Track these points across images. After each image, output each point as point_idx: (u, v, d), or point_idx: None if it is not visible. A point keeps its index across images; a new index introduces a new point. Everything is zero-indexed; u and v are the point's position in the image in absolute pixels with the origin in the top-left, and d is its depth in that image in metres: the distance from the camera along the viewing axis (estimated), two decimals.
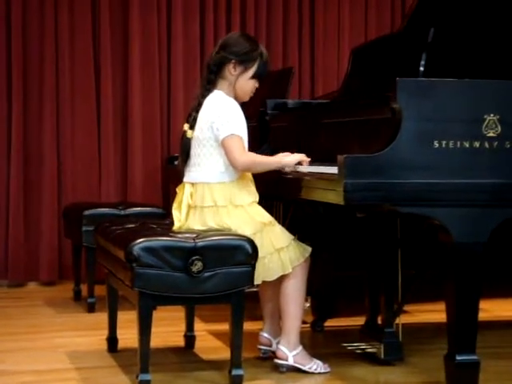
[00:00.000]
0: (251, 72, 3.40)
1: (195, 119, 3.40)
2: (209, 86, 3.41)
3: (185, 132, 3.44)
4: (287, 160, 3.37)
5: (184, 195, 3.40)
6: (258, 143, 4.10)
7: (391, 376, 3.39)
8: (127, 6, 5.64)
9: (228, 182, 3.35)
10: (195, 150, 3.40)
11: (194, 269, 3.10)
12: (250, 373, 3.29)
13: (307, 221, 4.01)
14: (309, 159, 3.39)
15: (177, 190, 3.48)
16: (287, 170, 3.38)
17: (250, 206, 3.36)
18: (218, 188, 3.34)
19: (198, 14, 5.77)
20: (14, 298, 5.13)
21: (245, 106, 3.47)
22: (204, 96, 3.41)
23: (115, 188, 5.65)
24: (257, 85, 3.46)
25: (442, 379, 3.00)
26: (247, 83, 3.42)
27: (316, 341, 4.00)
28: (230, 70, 3.39)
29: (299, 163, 3.37)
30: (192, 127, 3.41)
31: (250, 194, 3.38)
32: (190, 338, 3.78)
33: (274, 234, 3.36)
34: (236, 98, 3.42)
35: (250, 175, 3.42)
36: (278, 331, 3.50)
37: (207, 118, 3.36)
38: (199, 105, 3.40)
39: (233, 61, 3.38)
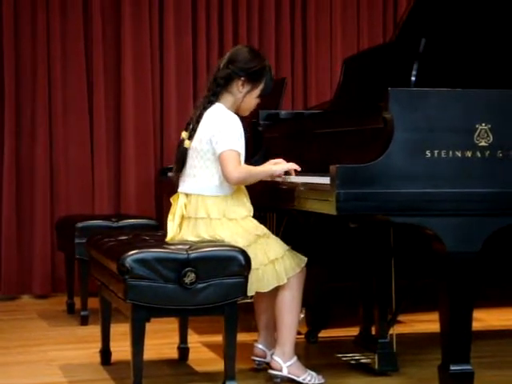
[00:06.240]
0: (258, 90, 3.42)
1: (195, 129, 3.39)
2: (213, 98, 3.40)
3: (183, 140, 3.43)
4: (275, 168, 3.37)
5: (178, 205, 3.40)
6: (250, 154, 4.09)
7: None
8: (119, 16, 5.65)
9: (222, 196, 3.34)
10: (192, 161, 3.39)
11: (187, 280, 3.09)
12: None
13: (300, 231, 4.01)
14: (298, 168, 3.37)
15: (171, 200, 3.46)
16: (279, 180, 3.37)
17: (243, 220, 3.36)
18: (211, 201, 3.33)
19: (190, 24, 5.78)
20: (7, 311, 5.11)
21: (239, 118, 3.46)
22: (206, 108, 3.40)
23: (108, 200, 5.64)
24: (259, 101, 3.48)
25: None
26: (252, 101, 3.44)
27: (310, 352, 3.98)
28: (239, 87, 3.40)
29: (288, 173, 3.36)
30: (190, 137, 3.40)
31: (244, 209, 3.37)
32: (183, 350, 3.77)
33: (268, 245, 3.35)
34: (237, 112, 3.42)
35: (245, 190, 3.41)
36: (272, 342, 3.49)
37: (207, 131, 3.34)
38: (200, 116, 3.40)
39: (242, 78, 3.39)
